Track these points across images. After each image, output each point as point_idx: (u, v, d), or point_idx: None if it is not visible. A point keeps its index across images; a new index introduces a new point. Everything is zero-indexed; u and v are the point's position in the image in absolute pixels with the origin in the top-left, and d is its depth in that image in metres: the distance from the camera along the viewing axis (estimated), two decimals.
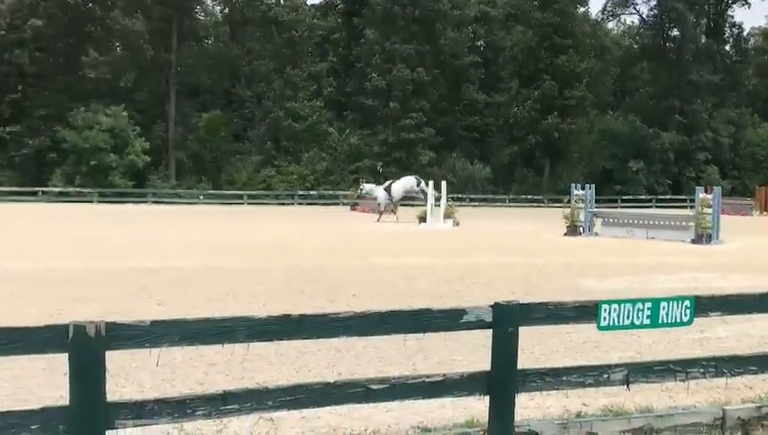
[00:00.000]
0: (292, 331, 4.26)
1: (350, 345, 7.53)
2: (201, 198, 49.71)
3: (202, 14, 62.64)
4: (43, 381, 6.28)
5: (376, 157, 55.48)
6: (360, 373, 6.60)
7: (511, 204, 52.75)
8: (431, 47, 57.50)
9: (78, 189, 47.28)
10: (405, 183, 32.02)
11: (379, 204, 32.14)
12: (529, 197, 54.33)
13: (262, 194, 51.63)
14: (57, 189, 47.35)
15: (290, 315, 4.20)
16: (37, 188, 46.97)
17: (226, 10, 63.46)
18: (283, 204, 50.05)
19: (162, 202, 47.08)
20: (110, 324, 3.86)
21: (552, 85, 57.32)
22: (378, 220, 30.55)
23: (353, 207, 41.81)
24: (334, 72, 62.11)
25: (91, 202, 45.22)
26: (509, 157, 60.11)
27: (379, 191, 32.57)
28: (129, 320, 3.97)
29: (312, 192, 52.04)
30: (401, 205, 32.48)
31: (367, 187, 34.34)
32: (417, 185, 31.38)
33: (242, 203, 48.45)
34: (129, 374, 6.28)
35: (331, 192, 51.73)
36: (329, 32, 61.71)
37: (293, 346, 7.17)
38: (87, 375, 3.85)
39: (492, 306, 4.50)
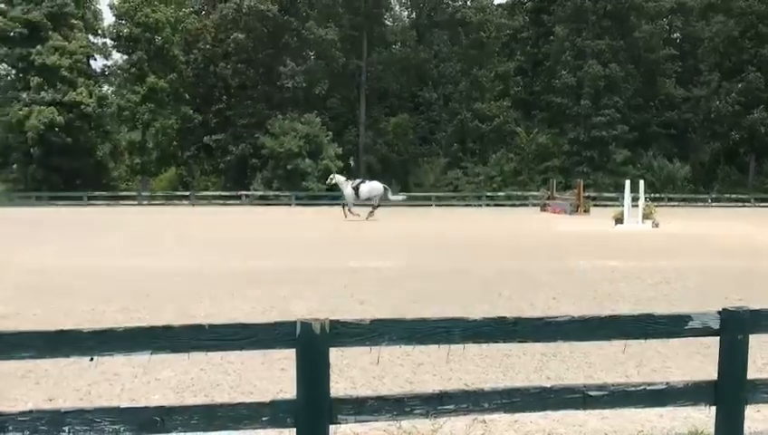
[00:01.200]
0: (508, 333, 4.19)
1: (555, 350, 7.36)
2: (391, 198, 50.70)
3: (390, 20, 64.06)
4: (262, 375, 6.62)
5: (566, 156, 54.20)
6: (570, 379, 6.43)
7: (713, 204, 49.68)
8: (624, 41, 55.43)
9: (276, 193, 49.80)
10: (372, 188, 31.76)
11: (345, 204, 31.63)
12: (733, 196, 50.92)
13: (449, 196, 51.93)
14: (258, 193, 50.12)
15: (506, 318, 4.14)
16: (240, 192, 49.95)
17: (414, 15, 64.51)
18: (470, 205, 50.05)
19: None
20: (333, 322, 3.98)
21: (758, 77, 53.48)
22: (345, 217, 30.50)
23: (543, 207, 41.08)
24: (522, 70, 61.41)
25: (289, 205, 47.46)
26: (710, 154, 56.71)
27: (347, 189, 31.70)
28: (351, 318, 4.07)
29: (499, 193, 51.68)
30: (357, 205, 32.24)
31: (338, 178, 32.88)
32: (385, 192, 31.93)
33: (429, 205, 48.99)
34: (341, 371, 6.48)
35: (519, 193, 51.14)
36: (516, 31, 61.09)
37: (498, 348, 7.11)
38: (313, 371, 3.98)
39: (719, 312, 4.22)
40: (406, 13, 65.86)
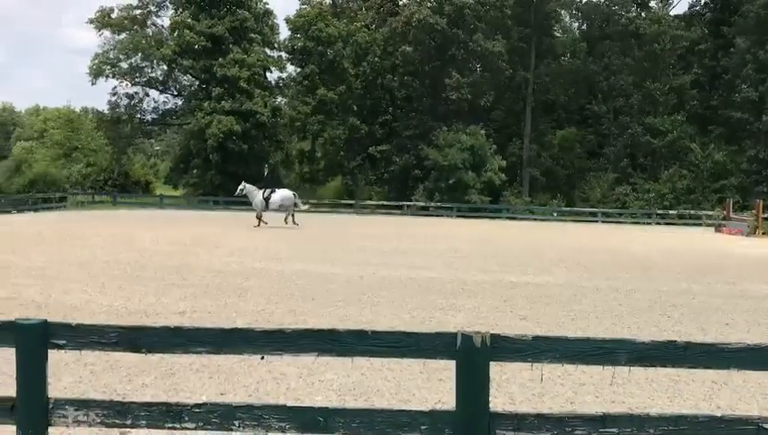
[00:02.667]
0: (677, 358, 4.01)
1: (727, 378, 6.96)
2: (554, 214, 49.80)
3: (560, 31, 62.97)
4: (421, 384, 6.69)
5: (744, 175, 51.04)
6: (742, 410, 6.06)
7: None
8: None
9: (438, 204, 50.14)
10: (284, 197, 30.77)
11: (259, 210, 30.46)
12: None
13: (616, 212, 50.23)
14: (420, 204, 50.66)
15: (676, 342, 3.97)
16: (402, 203, 50.70)
17: (584, 26, 63.07)
18: (639, 223, 48.16)
19: (515, 218, 48.03)
20: (494, 336, 3.97)
21: None
22: (257, 225, 29.52)
23: (718, 228, 38.89)
24: (698, 84, 58.42)
25: (450, 217, 47.62)
26: None
27: (257, 197, 30.37)
28: (512, 333, 4.04)
29: (670, 211, 49.39)
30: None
31: (248, 187, 31.26)
32: (294, 200, 31.23)
33: (596, 221, 47.61)
34: (500, 386, 6.44)
35: (691, 212, 48.66)
36: (693, 43, 58.23)
37: (666, 373, 6.83)
38: (472, 383, 3.98)
39: None
40: (576, 24, 64.53)
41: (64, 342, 4.23)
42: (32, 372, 4.16)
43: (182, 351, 4.32)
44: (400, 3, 58.21)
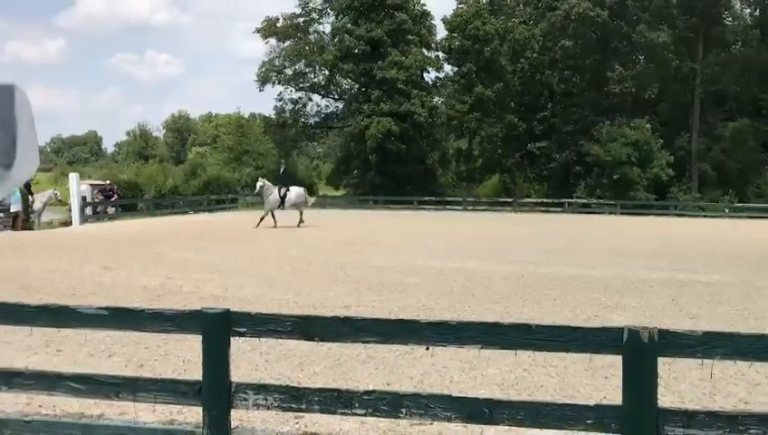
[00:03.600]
0: None
1: None
2: (726, 211, 47.12)
3: (730, 19, 59.47)
4: (585, 381, 6.65)
5: None
6: None
7: None
8: None
9: (600, 201, 48.75)
10: (298, 193, 29.28)
11: (269, 208, 28.26)
12: None
13: None
14: (581, 201, 49.45)
15: None
16: (563, 200, 49.67)
17: (757, 12, 59.24)
18: None
19: (684, 215, 45.87)
20: (662, 331, 3.93)
21: None
22: (257, 226, 27.02)
23: None
24: None
25: (614, 214, 46.17)
26: None
27: (273, 196, 28.11)
28: (681, 329, 3.98)
29: None
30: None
31: (267, 184, 28.62)
32: (305, 197, 30.40)
33: None
34: (668, 384, 6.27)
35: None
36: None
37: None
38: (639, 379, 3.97)
39: None
40: (748, 11, 60.68)
41: (245, 329, 4.58)
42: (216, 358, 4.53)
43: (351, 340, 4.56)
44: None
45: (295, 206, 29.16)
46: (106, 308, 4.88)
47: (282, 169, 33.75)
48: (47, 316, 4.92)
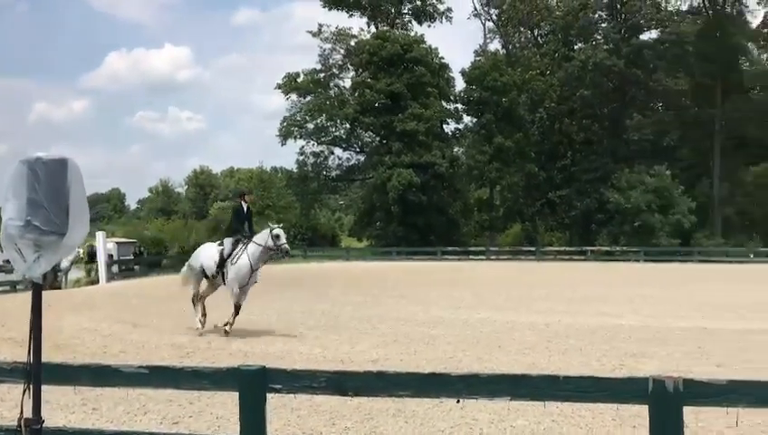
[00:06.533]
0: None
1: None
2: (752, 256, 46.72)
3: (747, 64, 59.79)
4: (614, 431, 6.71)
5: None
6: None
7: None
8: None
9: (623, 248, 48.57)
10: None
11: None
12: None
13: None
14: (604, 249, 49.30)
15: None
16: (585, 248, 49.55)
17: None
18: None
19: (709, 261, 45.53)
20: (687, 380, 4.03)
21: None
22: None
23: None
24: None
25: (637, 261, 45.94)
26: None
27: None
28: (706, 377, 4.08)
29: None
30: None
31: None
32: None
33: None
34: (695, 433, 6.31)
35: None
36: None
37: None
38: (666, 428, 4.05)
39: None
40: (765, 56, 61.01)
41: (281, 386, 4.72)
42: (253, 414, 4.67)
43: (385, 394, 4.68)
44: (575, 47, 57.75)
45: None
46: (146, 367, 5.05)
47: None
48: (89, 375, 5.08)
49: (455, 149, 60.18)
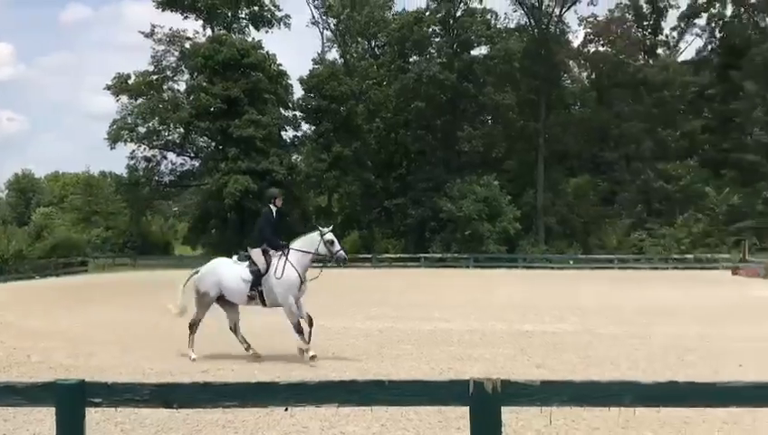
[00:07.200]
0: (679, 398, 4.21)
1: (738, 418, 7.12)
2: (571, 262, 49.80)
3: (569, 81, 63.77)
4: (439, 432, 6.90)
5: (759, 216, 50.94)
6: None
7: None
8: None
9: (454, 255, 50.33)
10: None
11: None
12: None
13: (633, 258, 50.19)
14: (437, 255, 50.86)
15: (677, 382, 4.19)
16: (420, 254, 50.92)
17: (593, 75, 63.85)
18: (656, 268, 48.05)
19: (532, 267, 48.07)
20: (505, 382, 4.21)
21: None
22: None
23: (735, 270, 38.80)
24: (709, 128, 58.79)
25: (467, 267, 47.74)
26: None
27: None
28: (522, 379, 4.28)
29: (687, 256, 49.27)
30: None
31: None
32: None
33: (612, 268, 47.53)
34: (516, 432, 6.63)
35: (708, 256, 48.51)
36: (702, 88, 58.80)
37: (677, 415, 7.00)
38: (486, 428, 4.21)
39: None
40: (585, 74, 65.32)
41: (100, 400, 4.50)
42: (71, 430, 4.42)
43: (211, 405, 4.57)
44: (410, 60, 59.29)
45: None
46: None
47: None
48: None
49: (293, 157, 60.08)
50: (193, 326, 12.18)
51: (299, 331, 11.47)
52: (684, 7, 60.68)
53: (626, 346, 12.55)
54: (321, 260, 12.16)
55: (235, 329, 12.27)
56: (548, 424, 6.52)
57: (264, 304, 11.82)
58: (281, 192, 13.38)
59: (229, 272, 11.95)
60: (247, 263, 11.81)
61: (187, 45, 58.88)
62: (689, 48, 68.98)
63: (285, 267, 11.59)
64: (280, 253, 11.74)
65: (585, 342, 13.09)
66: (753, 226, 50.25)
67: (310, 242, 11.90)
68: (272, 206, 12.30)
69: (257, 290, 11.64)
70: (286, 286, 11.55)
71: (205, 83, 54.76)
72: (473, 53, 59.10)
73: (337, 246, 11.93)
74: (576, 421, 6.97)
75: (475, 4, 58.28)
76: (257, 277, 11.63)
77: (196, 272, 12.53)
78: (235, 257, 12.24)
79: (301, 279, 11.71)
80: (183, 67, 59.34)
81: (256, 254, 11.83)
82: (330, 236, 11.88)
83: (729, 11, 60.71)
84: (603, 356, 11.50)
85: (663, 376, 9.20)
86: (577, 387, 4.24)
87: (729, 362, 10.81)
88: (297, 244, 11.93)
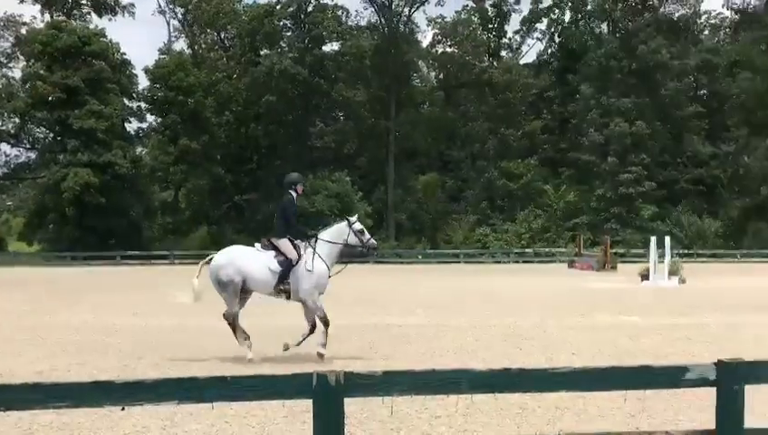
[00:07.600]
0: (513, 384, 4.42)
1: (570, 403, 7.53)
2: (420, 257, 51.03)
3: (418, 80, 65.21)
4: (285, 428, 6.88)
5: (593, 213, 54.21)
6: (583, 430, 6.59)
7: (742, 259, 49.15)
8: (650, 99, 55.81)
9: None
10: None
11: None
12: (764, 251, 50.28)
13: (477, 252, 52.09)
14: None
15: (510, 369, 4.37)
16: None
17: (441, 76, 65.64)
18: (499, 262, 50.09)
19: (383, 262, 48.79)
20: (347, 374, 4.25)
21: None
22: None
23: (571, 264, 41.06)
24: (548, 129, 61.99)
25: None
26: (740, 210, 56.32)
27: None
28: (364, 370, 4.34)
29: (527, 250, 51.72)
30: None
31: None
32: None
33: (458, 262, 49.12)
34: (361, 423, 6.71)
35: (547, 250, 51.14)
36: (542, 90, 61.89)
37: (514, 401, 7.32)
38: (329, 421, 4.24)
39: (715, 364, 4.41)
40: (433, 74, 67.05)
41: None
42: None
43: (41, 407, 4.33)
44: (261, 53, 58.68)
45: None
46: None
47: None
48: None
49: (137, 150, 58.03)
50: (232, 323, 11.11)
51: (326, 323, 10.98)
52: (526, 12, 63.60)
53: (469, 336, 13.00)
54: (350, 254, 11.69)
55: (237, 321, 11.21)
56: (390, 414, 6.64)
57: (288, 297, 11.15)
58: (303, 178, 12.56)
59: (254, 261, 11.08)
60: (274, 253, 11.04)
61: (23, 31, 55.61)
62: (531, 51, 72.31)
63: (315, 260, 10.96)
64: (305, 243, 11.10)
65: (431, 334, 13.43)
66: (588, 221, 53.38)
67: (338, 232, 11.29)
68: (292, 193, 11.57)
69: (287, 283, 10.92)
70: (315, 280, 10.96)
71: (42, 71, 51.89)
72: (324, 48, 59.32)
73: (367, 235, 11.42)
74: (419, 411, 7.15)
75: (327, 0, 58.57)
76: (287, 269, 10.90)
77: (209, 260, 11.49)
78: (257, 245, 11.51)
79: (329, 273, 11.16)
80: (18, 54, 55.98)
81: (285, 244, 11.03)
82: (359, 225, 11.35)
83: (567, 17, 64.22)
84: (447, 347, 11.86)
85: (501, 364, 9.59)
86: (416, 376, 4.34)
87: (563, 350, 11.42)
88: (325, 235, 11.31)
